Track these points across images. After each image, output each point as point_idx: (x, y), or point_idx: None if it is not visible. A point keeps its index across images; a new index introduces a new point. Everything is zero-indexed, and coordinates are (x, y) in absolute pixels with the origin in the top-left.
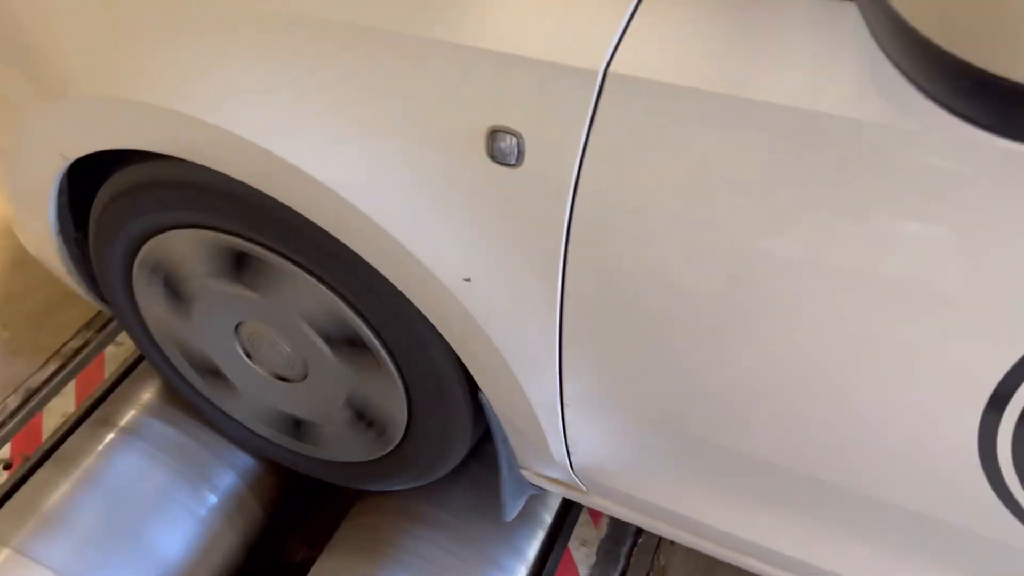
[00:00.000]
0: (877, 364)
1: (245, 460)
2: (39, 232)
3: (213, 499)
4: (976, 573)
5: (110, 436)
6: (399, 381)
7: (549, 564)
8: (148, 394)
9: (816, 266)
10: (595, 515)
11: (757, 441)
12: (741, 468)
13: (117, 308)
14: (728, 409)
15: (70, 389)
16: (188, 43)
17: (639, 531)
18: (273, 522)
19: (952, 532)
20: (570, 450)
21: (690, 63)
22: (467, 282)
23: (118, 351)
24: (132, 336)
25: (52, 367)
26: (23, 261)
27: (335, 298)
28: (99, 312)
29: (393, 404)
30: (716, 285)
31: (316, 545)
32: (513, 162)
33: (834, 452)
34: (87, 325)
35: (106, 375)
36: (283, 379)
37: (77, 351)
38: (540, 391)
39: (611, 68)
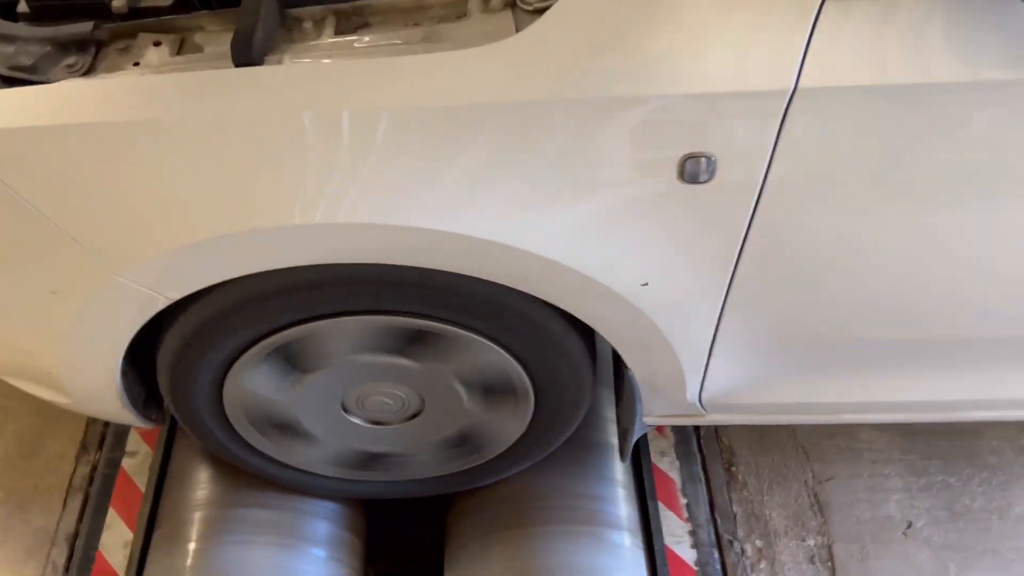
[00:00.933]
0: None
1: (326, 506)
2: (97, 380)
3: (320, 552)
4: None
5: (192, 546)
6: (532, 404)
7: (647, 483)
8: (202, 491)
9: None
10: (659, 428)
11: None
12: (873, 348)
13: (186, 408)
14: (887, 309)
15: (113, 518)
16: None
17: (695, 427)
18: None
19: None
20: (703, 388)
21: (871, 63)
22: (644, 286)
23: (136, 461)
24: (197, 430)
25: (76, 504)
26: None
27: (501, 351)
28: (87, 430)
29: (510, 427)
30: (891, 237)
31: (396, 558)
32: (704, 180)
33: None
34: (82, 447)
35: (142, 488)
36: (378, 423)
37: (91, 477)
38: (692, 356)
39: (800, 84)
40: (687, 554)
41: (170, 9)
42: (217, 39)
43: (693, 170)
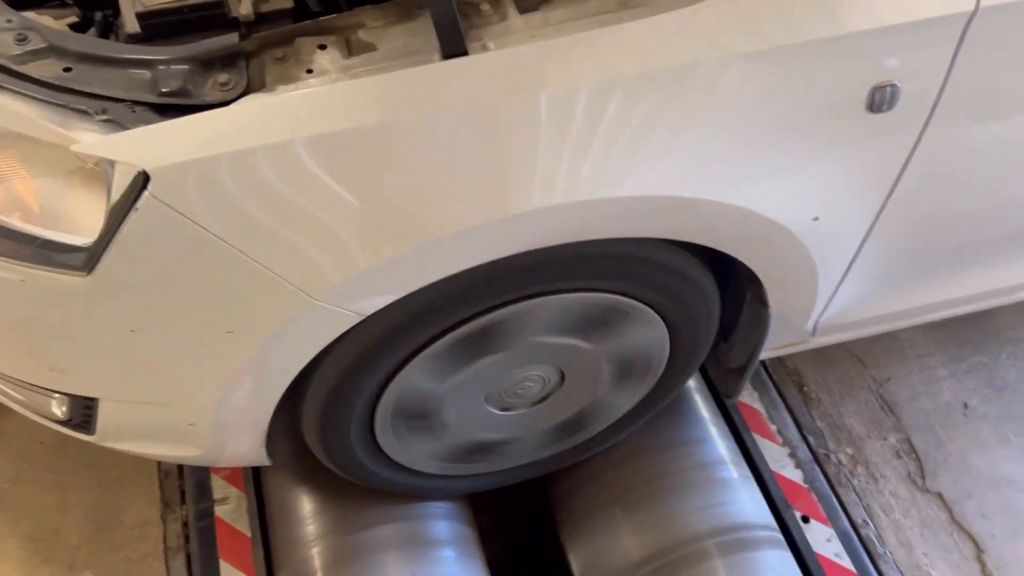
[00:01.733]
0: None
1: (440, 506)
2: (250, 421)
3: (450, 552)
4: None
5: None
6: (659, 373)
7: (736, 418)
8: (312, 524)
9: None
10: None
11: None
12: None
13: (335, 428)
14: None
15: (228, 569)
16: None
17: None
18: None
19: None
20: (823, 314)
21: None
22: (815, 221)
23: (230, 507)
24: (332, 446)
25: (180, 564)
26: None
27: (660, 319)
28: (162, 488)
29: (623, 401)
30: None
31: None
32: (887, 108)
33: None
34: (165, 506)
35: (246, 532)
36: (506, 410)
37: (185, 534)
38: (829, 284)
39: (981, 3)
40: (794, 475)
41: (299, 11)
42: (384, 35)
43: (880, 100)
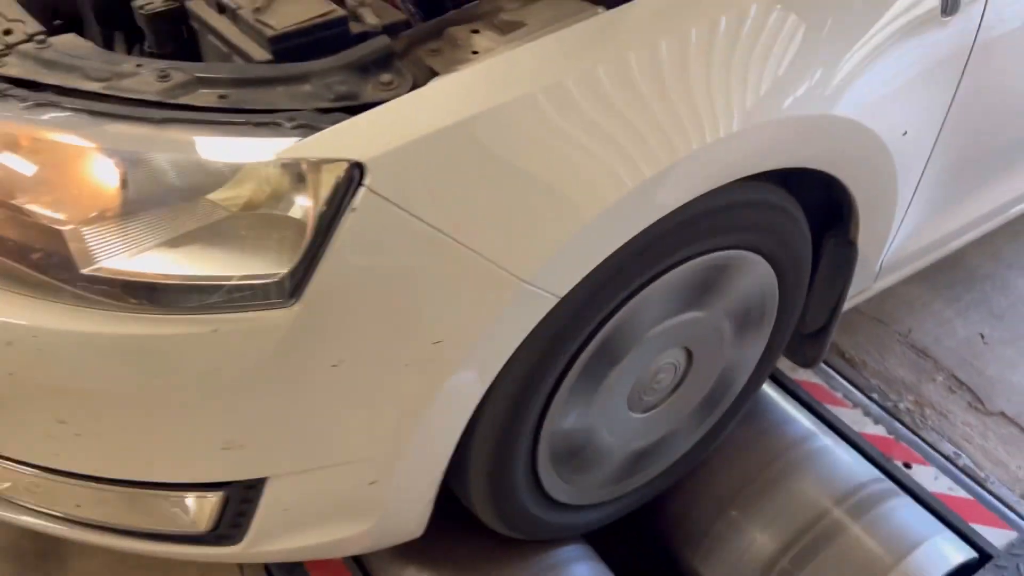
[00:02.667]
0: None
1: (569, 550)
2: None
3: None
4: None
5: None
6: (775, 315)
7: (803, 396)
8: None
9: None
10: None
11: None
12: None
13: (501, 479)
14: None
15: None
16: None
17: None
18: None
19: None
20: (889, 250)
21: None
22: (904, 135)
23: None
24: (505, 505)
25: None
26: None
27: (762, 260)
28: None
29: (753, 351)
30: None
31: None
32: (951, 11)
33: None
34: None
35: None
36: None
37: None
38: (901, 210)
39: None
40: (877, 430)
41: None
42: (527, 12)
43: (951, 2)
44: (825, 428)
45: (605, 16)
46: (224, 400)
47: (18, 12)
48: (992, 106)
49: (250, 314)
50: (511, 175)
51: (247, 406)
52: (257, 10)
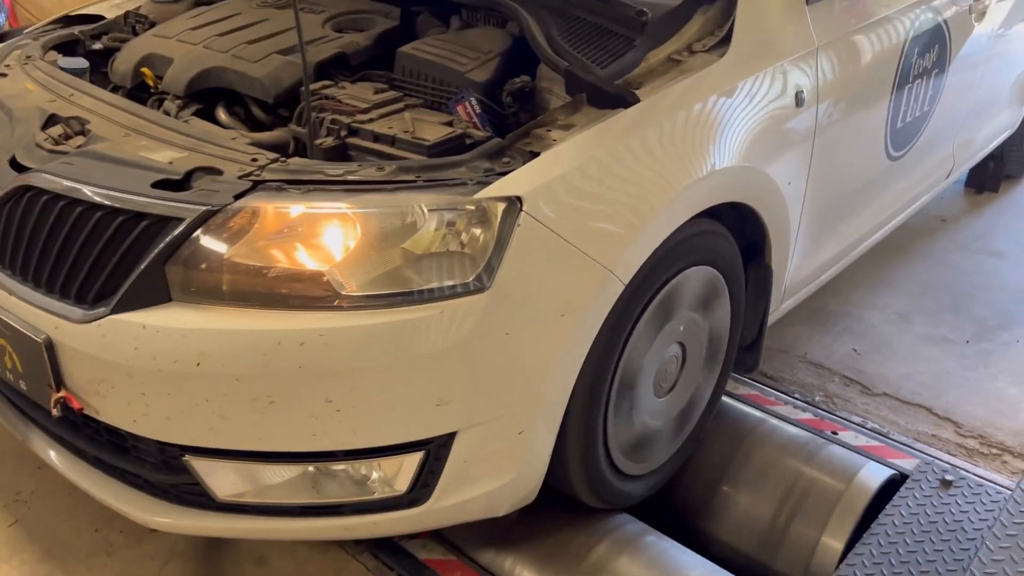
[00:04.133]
0: None
1: (619, 516)
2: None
3: (652, 537)
4: None
5: None
6: (727, 291)
7: (747, 401)
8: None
9: None
10: None
11: None
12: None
13: (590, 463)
14: None
15: None
16: None
17: None
18: None
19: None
20: (788, 274)
21: None
22: (789, 184)
23: None
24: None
25: None
26: None
27: (710, 268)
28: None
29: (725, 315)
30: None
31: None
32: (800, 105)
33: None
34: None
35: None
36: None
37: None
38: (793, 241)
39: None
40: (806, 415)
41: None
42: (574, 119)
43: (799, 99)
44: (770, 415)
45: (625, 113)
46: (443, 363)
47: (253, 149)
48: (833, 166)
49: (462, 299)
50: (593, 204)
51: (456, 368)
52: (406, 132)
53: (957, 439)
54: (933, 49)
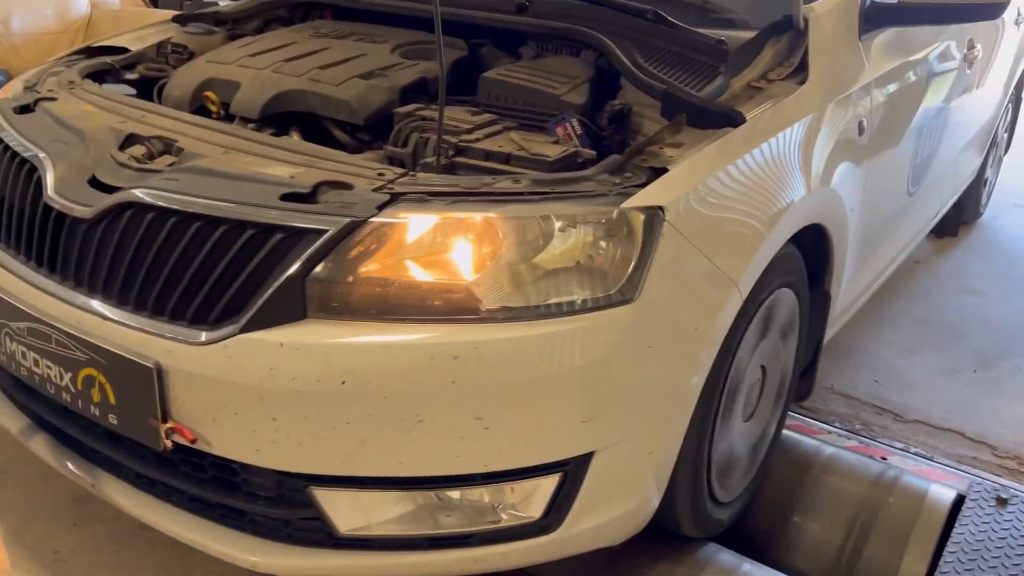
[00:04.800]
0: None
1: (710, 545)
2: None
3: (748, 566)
4: None
5: None
6: (799, 318)
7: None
8: None
9: None
10: None
11: None
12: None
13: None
14: None
15: None
16: None
17: None
18: None
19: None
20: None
21: None
22: (851, 211)
23: None
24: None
25: None
26: None
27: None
28: None
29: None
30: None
31: None
32: (862, 135)
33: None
34: None
35: None
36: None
37: None
38: (845, 268)
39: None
40: (852, 443)
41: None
42: (681, 139)
43: (862, 128)
44: (824, 444)
45: (734, 132)
46: (592, 376)
47: (376, 164)
48: (876, 195)
49: (611, 311)
50: (721, 216)
51: (604, 381)
52: (520, 150)
53: (996, 460)
54: (942, 91)
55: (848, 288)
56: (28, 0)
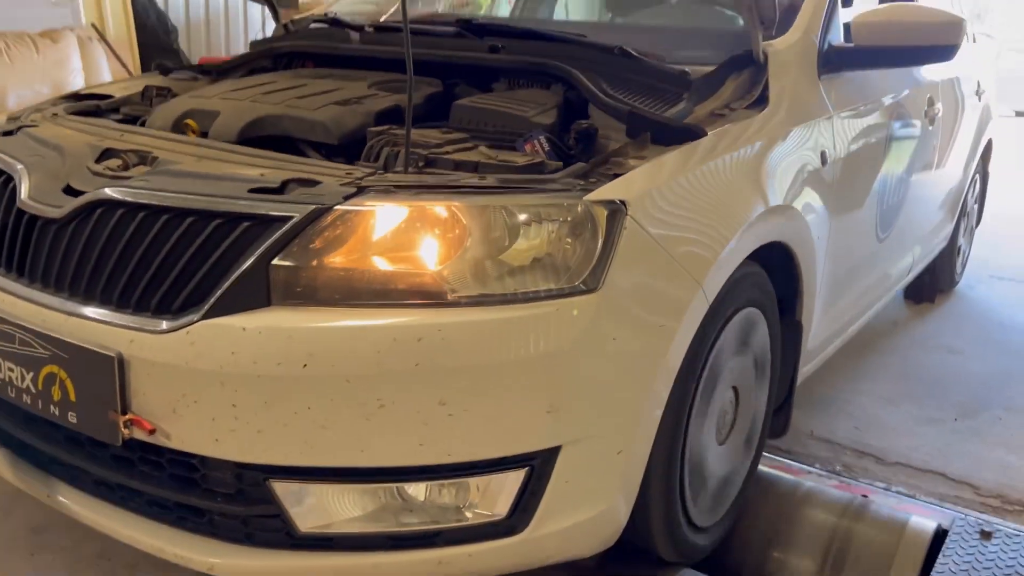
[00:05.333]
0: None
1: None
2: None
3: None
4: None
5: None
6: (767, 328)
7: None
8: None
9: None
10: None
11: None
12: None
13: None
14: None
15: None
16: None
17: None
18: None
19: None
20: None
21: None
22: (818, 239)
23: None
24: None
25: None
26: None
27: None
28: None
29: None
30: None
31: None
32: (824, 165)
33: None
34: None
35: None
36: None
37: None
38: (815, 299)
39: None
40: (833, 482)
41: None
42: (644, 153)
43: (824, 159)
44: (804, 481)
45: (695, 144)
46: (556, 364)
47: (345, 166)
48: (843, 232)
49: (576, 299)
50: (683, 219)
51: (568, 371)
52: (490, 159)
53: (979, 499)
54: (905, 141)
55: (821, 324)
56: (23, 77)
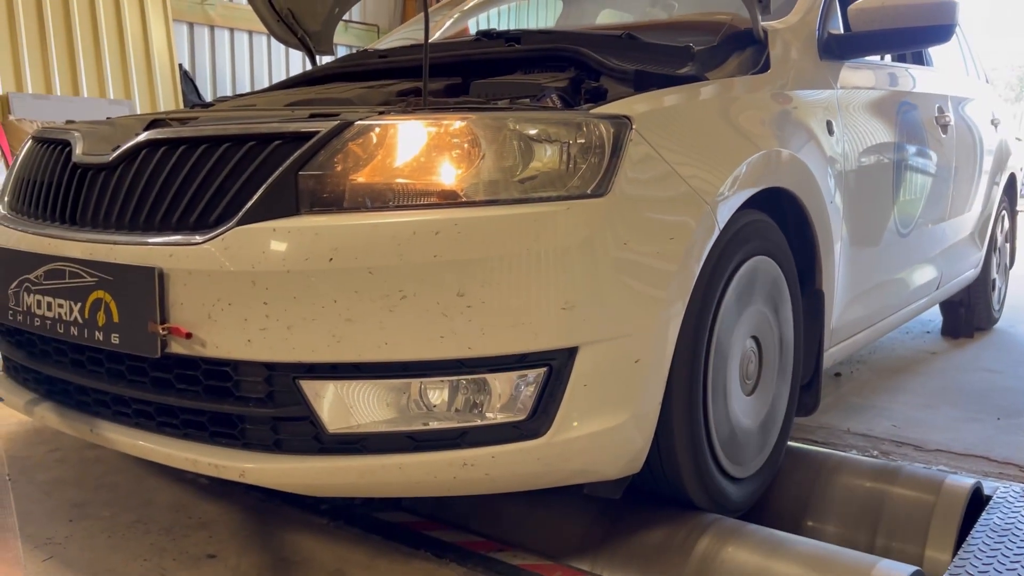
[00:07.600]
0: None
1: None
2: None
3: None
4: None
5: None
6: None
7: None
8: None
9: None
10: None
11: None
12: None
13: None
14: None
15: None
16: None
17: None
18: None
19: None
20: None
21: None
22: (831, 203)
23: None
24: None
25: None
26: None
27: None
28: None
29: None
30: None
31: None
32: (832, 134)
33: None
34: None
35: None
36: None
37: None
38: (837, 269)
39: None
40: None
41: None
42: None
43: (831, 128)
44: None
45: (700, 85)
46: (569, 260)
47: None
48: (858, 211)
49: (586, 200)
50: (689, 142)
51: (581, 268)
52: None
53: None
54: (915, 140)
55: (845, 303)
56: None
